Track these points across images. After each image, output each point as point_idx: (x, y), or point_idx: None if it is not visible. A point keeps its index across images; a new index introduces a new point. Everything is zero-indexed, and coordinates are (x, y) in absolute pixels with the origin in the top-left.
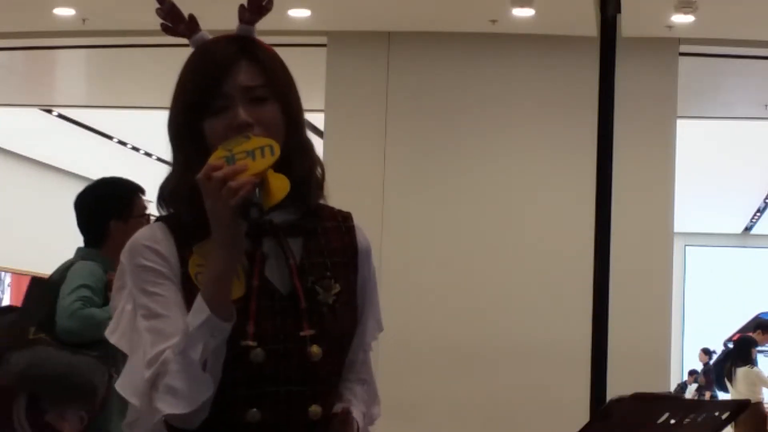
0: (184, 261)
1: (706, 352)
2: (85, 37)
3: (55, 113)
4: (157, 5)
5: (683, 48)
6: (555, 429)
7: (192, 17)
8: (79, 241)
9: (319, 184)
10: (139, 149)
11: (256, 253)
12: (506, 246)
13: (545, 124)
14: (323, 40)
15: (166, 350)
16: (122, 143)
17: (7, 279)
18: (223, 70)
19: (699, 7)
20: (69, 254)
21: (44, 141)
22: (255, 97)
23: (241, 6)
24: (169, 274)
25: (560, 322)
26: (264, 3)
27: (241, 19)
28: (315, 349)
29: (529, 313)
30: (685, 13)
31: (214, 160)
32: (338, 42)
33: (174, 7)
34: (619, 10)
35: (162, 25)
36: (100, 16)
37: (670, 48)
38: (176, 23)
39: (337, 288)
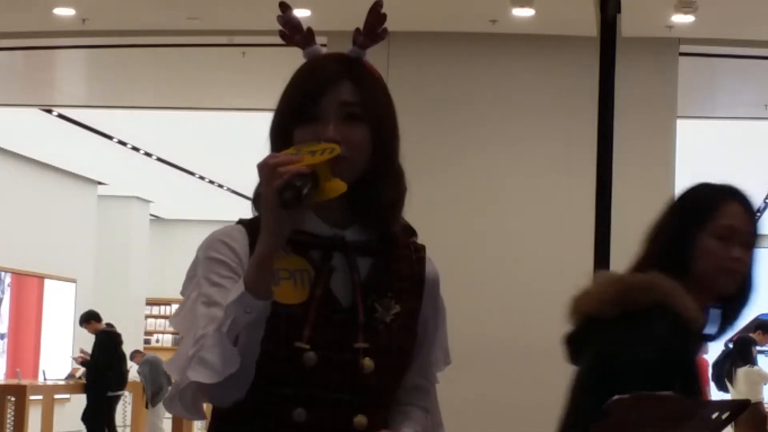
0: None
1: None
2: (85, 37)
3: (55, 113)
4: (279, 13)
5: (683, 48)
6: (555, 429)
7: (310, 30)
8: (79, 239)
9: (400, 213)
10: (139, 149)
11: (325, 264)
12: (506, 246)
13: (545, 124)
14: (323, 40)
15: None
16: (122, 143)
17: (7, 279)
18: (326, 84)
19: (699, 7)
20: (68, 254)
21: (44, 141)
22: (349, 113)
23: (357, 30)
24: (238, 269)
25: (560, 322)
26: (379, 31)
27: (355, 42)
28: (367, 362)
29: (529, 313)
30: (685, 13)
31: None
32: (338, 42)
33: (294, 17)
34: (619, 10)
35: (280, 32)
36: (100, 16)
37: (670, 48)
38: (293, 33)
39: (396, 309)
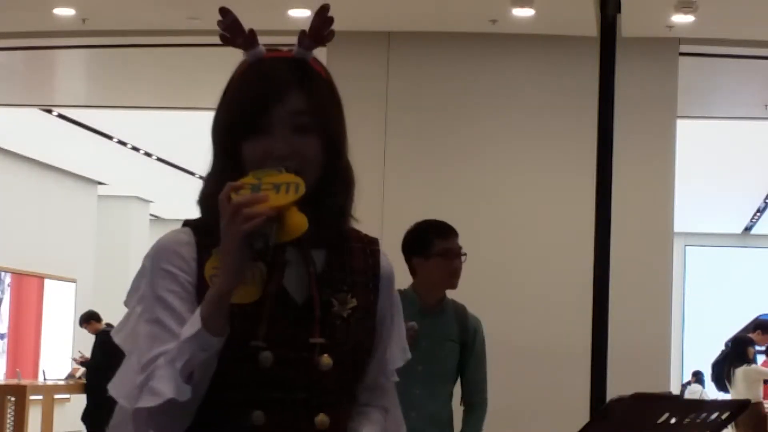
0: (201, 263)
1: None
2: (85, 37)
3: (55, 113)
4: (220, 18)
5: (683, 48)
6: (555, 429)
7: (252, 32)
8: (79, 239)
9: (350, 209)
10: (139, 149)
11: (277, 259)
12: (506, 246)
13: (545, 125)
14: None
15: (159, 356)
16: (122, 143)
17: (7, 279)
18: (275, 94)
19: (699, 7)
20: (68, 254)
21: (44, 141)
22: (298, 124)
23: (302, 32)
24: (185, 280)
25: (560, 322)
26: (325, 33)
27: (300, 43)
28: (325, 358)
29: (530, 313)
30: (685, 13)
31: (239, 183)
32: (338, 42)
33: (236, 21)
34: (619, 10)
35: (221, 36)
36: (100, 16)
37: (670, 48)
38: (235, 36)
39: (353, 303)
